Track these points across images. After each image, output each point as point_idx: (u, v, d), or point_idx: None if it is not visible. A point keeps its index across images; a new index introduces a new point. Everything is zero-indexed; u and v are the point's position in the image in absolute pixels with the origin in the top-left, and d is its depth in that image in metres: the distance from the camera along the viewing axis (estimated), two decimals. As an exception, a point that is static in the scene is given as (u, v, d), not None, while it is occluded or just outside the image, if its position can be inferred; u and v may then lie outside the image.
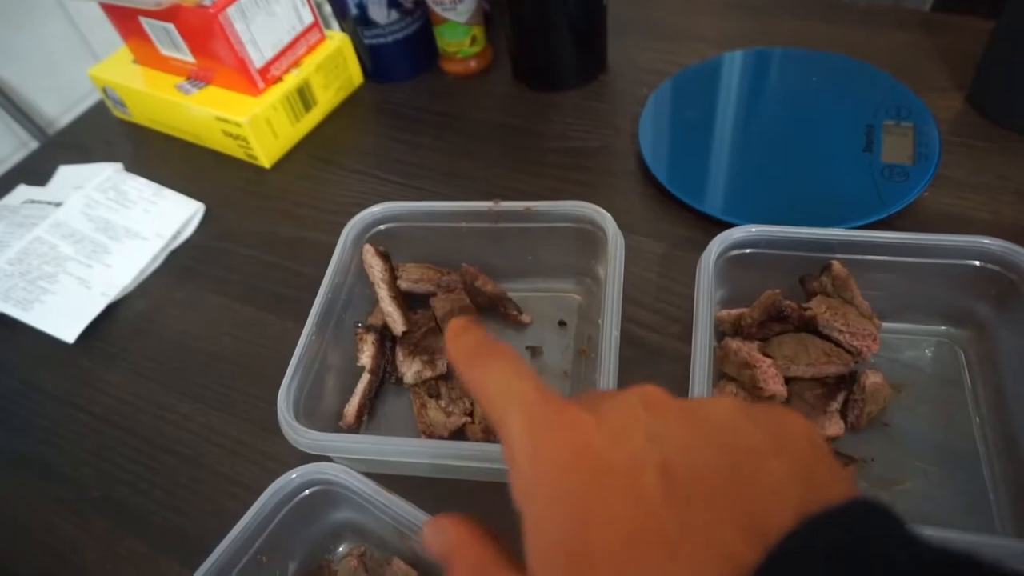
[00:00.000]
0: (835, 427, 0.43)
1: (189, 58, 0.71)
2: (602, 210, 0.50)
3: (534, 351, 0.52)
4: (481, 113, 0.74)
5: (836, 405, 0.45)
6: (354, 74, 0.78)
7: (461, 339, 0.26)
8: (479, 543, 0.24)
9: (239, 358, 0.57)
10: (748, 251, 0.48)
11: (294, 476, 0.40)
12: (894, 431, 0.45)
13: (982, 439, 0.44)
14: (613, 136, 0.69)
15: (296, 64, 0.72)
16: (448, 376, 0.51)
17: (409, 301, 0.54)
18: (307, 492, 0.41)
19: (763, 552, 0.17)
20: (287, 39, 0.70)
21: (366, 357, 0.51)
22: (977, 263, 0.46)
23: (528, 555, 0.21)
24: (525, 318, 0.53)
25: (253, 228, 0.67)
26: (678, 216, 0.60)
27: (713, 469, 0.19)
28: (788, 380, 0.46)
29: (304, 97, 0.73)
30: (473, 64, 0.77)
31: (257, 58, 0.68)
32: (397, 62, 0.78)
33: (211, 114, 0.70)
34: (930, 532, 0.34)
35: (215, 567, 0.37)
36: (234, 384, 0.55)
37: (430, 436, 0.48)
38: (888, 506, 0.18)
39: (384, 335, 0.53)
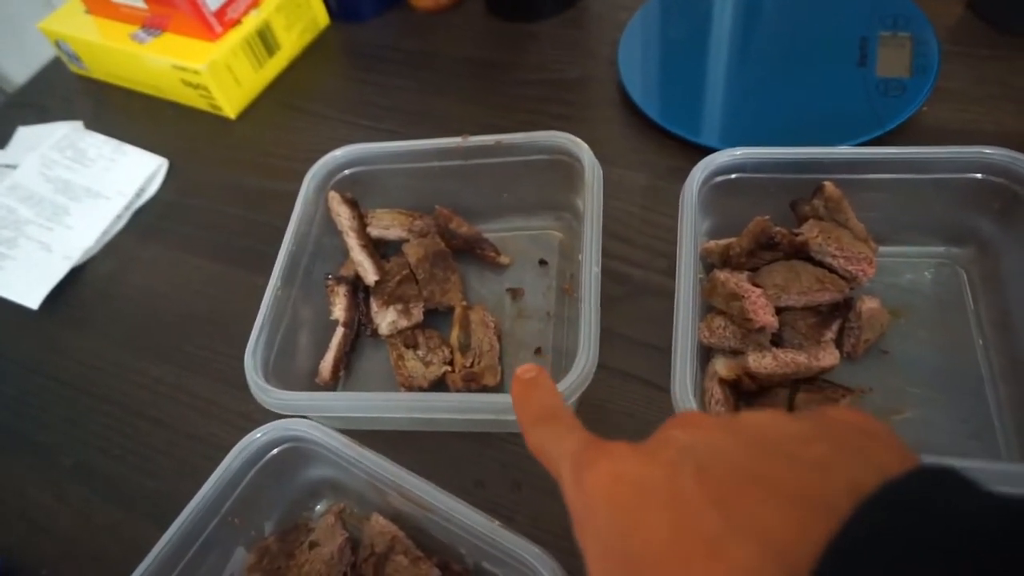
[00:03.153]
0: (830, 357, 0.40)
1: (141, 4, 0.66)
2: (577, 139, 0.47)
3: (515, 293, 0.50)
4: (453, 49, 0.70)
5: (831, 334, 0.43)
6: (318, 14, 0.74)
7: (528, 398, 0.28)
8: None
9: (210, 316, 0.55)
10: (734, 176, 0.45)
11: (259, 435, 0.38)
12: (893, 358, 0.43)
13: (986, 362, 0.42)
14: (592, 65, 0.65)
15: (255, 5, 0.68)
16: (424, 325, 0.48)
17: (381, 248, 0.52)
18: (276, 451, 0.39)
19: (816, 536, 0.16)
20: (242, -22, 0.66)
21: (338, 310, 0.49)
22: (979, 176, 0.43)
23: None
24: (504, 259, 0.51)
25: (220, 181, 0.64)
26: (662, 145, 0.56)
27: (750, 465, 0.19)
28: (780, 310, 0.43)
29: (266, 40, 0.69)
30: (443, -3, 0.73)
31: (211, 0, 0.64)
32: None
33: (168, 63, 0.66)
34: (932, 460, 0.32)
35: (182, 531, 0.36)
36: (206, 344, 0.53)
37: (410, 388, 0.46)
38: (956, 469, 0.17)
39: (356, 286, 0.50)
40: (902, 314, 0.44)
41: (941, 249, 0.46)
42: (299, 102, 0.69)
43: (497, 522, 0.34)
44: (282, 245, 0.47)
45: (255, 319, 0.44)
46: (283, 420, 0.39)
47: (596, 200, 0.44)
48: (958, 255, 0.46)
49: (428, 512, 0.37)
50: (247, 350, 0.43)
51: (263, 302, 0.45)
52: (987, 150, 0.42)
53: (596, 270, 0.41)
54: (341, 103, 0.69)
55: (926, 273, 0.46)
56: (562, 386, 0.37)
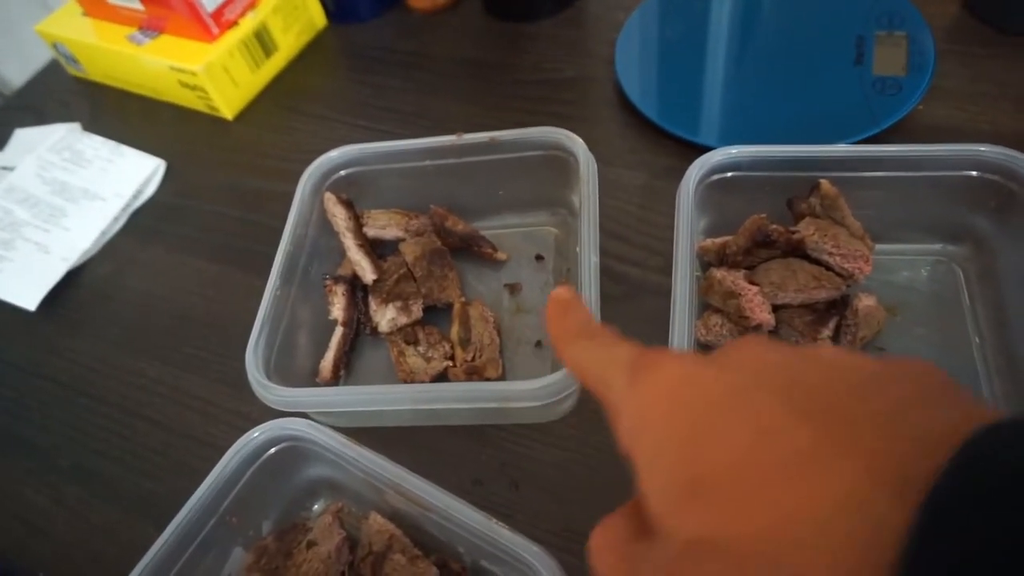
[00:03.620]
0: (826, 354, 0.40)
1: (138, 5, 0.66)
2: (571, 134, 0.47)
3: (512, 288, 0.50)
4: (451, 49, 0.70)
5: (827, 332, 0.43)
6: (315, 15, 0.74)
7: (565, 315, 0.26)
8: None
9: (208, 318, 0.55)
10: (730, 175, 0.45)
11: (256, 434, 0.38)
12: (889, 356, 0.43)
13: (982, 359, 0.42)
14: (590, 64, 0.65)
15: (252, 6, 0.68)
16: (424, 321, 0.48)
17: (378, 248, 0.52)
18: (273, 450, 0.39)
19: (923, 470, 0.15)
20: (239, -21, 0.66)
21: (337, 309, 0.49)
22: (974, 173, 0.43)
23: (646, 498, 0.19)
24: (501, 255, 0.51)
25: (218, 183, 0.64)
26: (659, 144, 0.56)
27: (831, 391, 0.18)
28: (777, 308, 0.43)
29: (263, 42, 0.69)
30: (440, -2, 0.73)
31: (208, 1, 0.64)
32: (361, 0, 0.73)
33: (165, 64, 0.66)
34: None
35: (179, 531, 0.36)
36: (204, 344, 0.53)
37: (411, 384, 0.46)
38: None
39: (354, 285, 0.50)
40: (898, 311, 0.44)
41: (937, 247, 0.46)
42: (297, 103, 0.69)
43: (495, 520, 0.34)
44: (280, 246, 0.47)
45: (253, 320, 0.44)
46: (281, 419, 0.39)
47: (592, 192, 0.44)
48: (954, 253, 0.46)
49: (426, 511, 0.37)
50: (248, 348, 0.43)
51: (263, 301, 0.45)
52: (982, 148, 0.42)
53: (595, 259, 0.42)
54: (339, 104, 0.69)
55: (922, 270, 0.46)
56: (563, 373, 0.37)
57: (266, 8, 0.68)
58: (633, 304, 0.48)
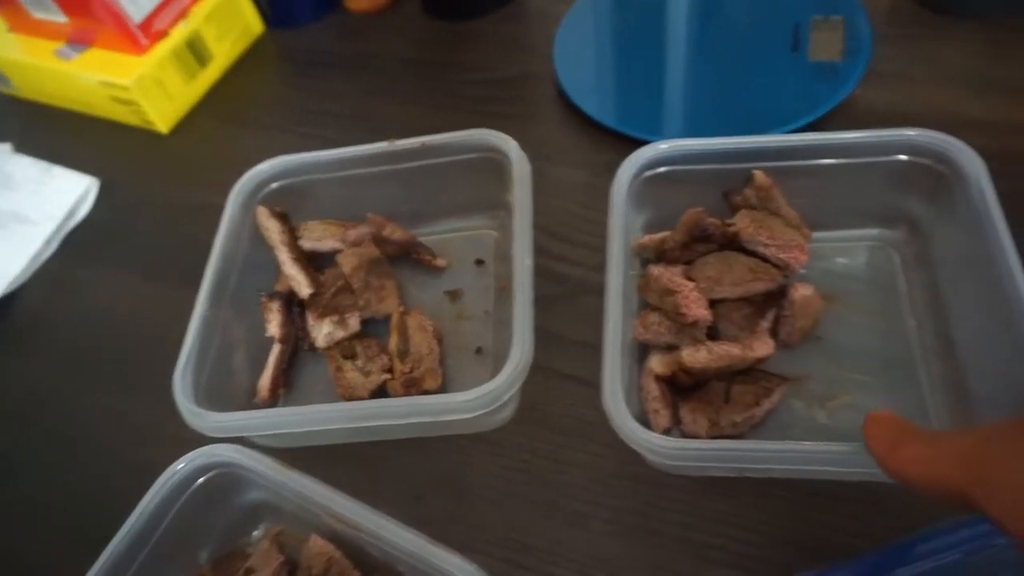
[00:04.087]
0: (764, 347, 0.40)
1: (62, 18, 0.64)
2: (503, 135, 0.46)
3: (453, 295, 0.49)
4: (392, 50, 0.69)
5: (766, 324, 0.42)
6: (251, 22, 0.72)
7: (881, 429, 0.26)
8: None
9: (149, 338, 0.53)
10: (664, 170, 0.45)
11: (180, 465, 0.37)
12: (828, 344, 0.43)
13: (918, 343, 0.42)
14: (531, 61, 0.64)
15: (183, 15, 0.66)
16: (363, 334, 0.48)
17: (316, 261, 0.51)
18: (204, 478, 0.38)
19: None
20: (167, -12, 0.64)
21: (274, 326, 0.48)
22: (906, 157, 0.43)
23: None
24: (440, 262, 0.50)
25: (155, 199, 0.63)
26: (600, 141, 0.56)
27: None
28: (715, 303, 0.43)
29: (196, 51, 0.67)
30: (379, -1, 0.72)
31: (134, 11, 0.62)
32: (298, 4, 0.72)
33: (95, 79, 0.64)
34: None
35: (105, 568, 0.34)
36: (145, 366, 0.51)
37: (350, 399, 0.45)
38: None
39: (291, 300, 0.49)
40: (837, 299, 0.44)
41: (874, 232, 0.46)
42: (235, 113, 0.68)
43: (427, 539, 0.34)
44: (208, 264, 0.46)
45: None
46: (209, 446, 0.38)
47: (525, 194, 0.43)
48: (891, 238, 0.46)
49: (360, 533, 0.36)
50: (175, 374, 0.42)
51: (190, 323, 0.44)
52: (910, 132, 0.42)
53: (528, 262, 0.41)
54: (279, 112, 0.67)
55: (860, 257, 0.46)
56: (496, 382, 0.37)
57: (198, 17, 0.66)
58: (574, 304, 0.47)
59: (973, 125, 0.48)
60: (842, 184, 0.44)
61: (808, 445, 0.33)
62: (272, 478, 0.36)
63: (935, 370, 0.40)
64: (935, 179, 0.42)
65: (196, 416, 0.40)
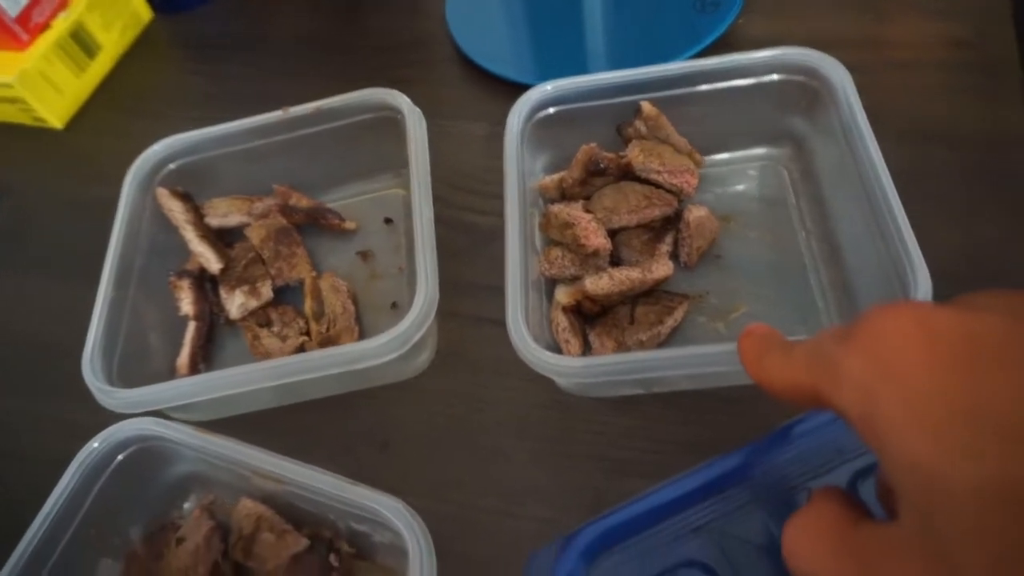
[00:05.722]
0: (663, 268, 0.42)
1: (-67, 19, 0.62)
2: (393, 91, 0.47)
3: (365, 255, 0.49)
4: (287, 28, 0.68)
5: (666, 247, 0.44)
6: (139, 9, 0.70)
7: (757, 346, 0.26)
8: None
9: (62, 339, 0.52)
10: (553, 111, 0.46)
11: (95, 444, 0.37)
12: (726, 261, 0.45)
13: (808, 252, 0.44)
14: (426, 24, 0.64)
15: (63, 6, 0.64)
16: (278, 302, 0.48)
17: (226, 238, 0.50)
18: (122, 456, 0.38)
19: None
20: (42, -21, 0.62)
21: (186, 304, 0.47)
22: (779, 76, 0.45)
23: (902, 456, 0.18)
24: (349, 225, 0.50)
25: (54, 198, 0.61)
26: (498, 93, 0.56)
27: None
28: (615, 232, 0.44)
29: (82, 42, 0.65)
30: (268, -26, 0.71)
31: (9, 5, 0.60)
32: (184, -13, 0.70)
33: (-24, 80, 0.62)
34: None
35: (30, 552, 0.34)
36: (61, 366, 0.50)
37: (269, 366, 0.45)
38: None
39: (202, 278, 0.49)
40: (732, 218, 0.46)
41: (762, 151, 0.48)
42: (132, 103, 0.66)
43: (351, 481, 0.34)
44: (108, 249, 0.45)
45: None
46: (122, 422, 0.38)
47: (421, 147, 0.44)
48: (778, 155, 0.48)
49: (287, 486, 0.36)
50: (83, 357, 0.41)
51: (95, 307, 0.43)
52: (780, 50, 0.44)
53: (428, 213, 0.42)
54: (177, 98, 0.66)
55: (751, 176, 0.48)
56: (404, 324, 0.38)
57: (79, 6, 0.64)
58: (484, 251, 0.48)
59: (845, 43, 0.51)
60: (726, 108, 0.46)
61: (697, 348, 0.35)
62: (194, 444, 0.37)
63: (824, 275, 0.43)
64: (810, 95, 0.45)
65: (107, 394, 0.39)
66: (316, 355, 0.39)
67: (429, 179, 0.43)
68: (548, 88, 0.45)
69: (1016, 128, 0.47)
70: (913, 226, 0.35)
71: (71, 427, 0.47)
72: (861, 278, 0.40)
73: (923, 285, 0.33)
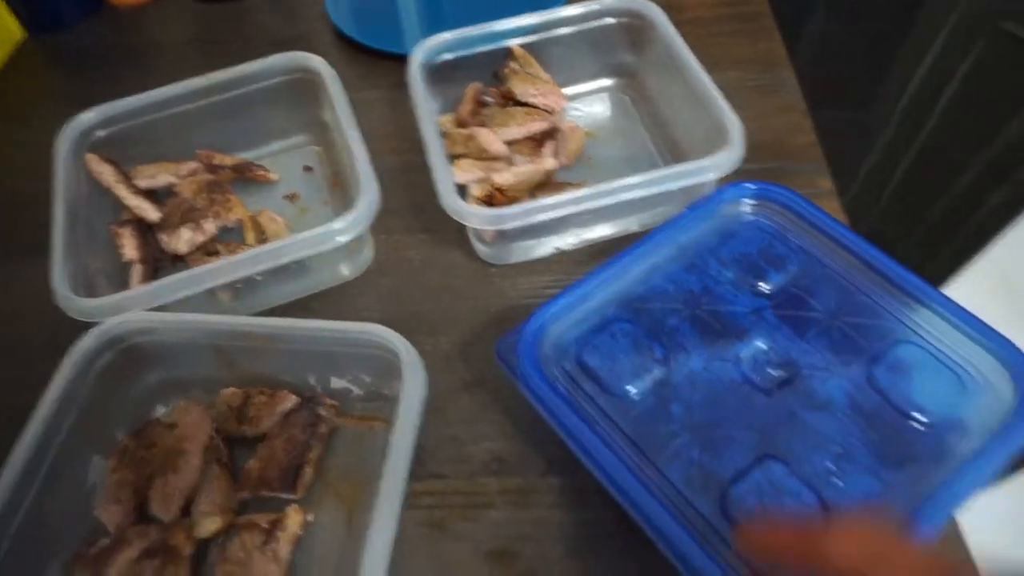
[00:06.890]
0: (550, 163, 0.53)
1: None
2: (308, 54, 0.54)
3: (291, 197, 0.56)
4: (170, 36, 0.74)
5: (548, 150, 0.55)
6: (10, 28, 0.72)
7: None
8: None
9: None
10: (439, 59, 0.56)
11: (87, 340, 0.40)
12: (595, 161, 0.57)
13: (656, 151, 0.57)
14: (308, 17, 0.72)
15: (-63, 23, 0.66)
16: (221, 235, 0.53)
17: (154, 199, 0.54)
18: (105, 359, 0.41)
19: None
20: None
21: (130, 249, 0.51)
22: (612, 20, 0.58)
23: None
24: (273, 176, 0.57)
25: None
26: (389, 70, 0.65)
27: None
28: (508, 144, 0.55)
29: (-41, 57, 0.66)
30: (143, -9, 0.76)
31: None
32: (62, 4, 0.74)
33: None
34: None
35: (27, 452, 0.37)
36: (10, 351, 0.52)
37: (222, 293, 0.49)
38: None
39: (142, 227, 0.52)
40: (594, 132, 0.58)
41: (610, 82, 0.62)
42: (11, 128, 0.67)
43: (329, 320, 0.40)
44: (54, 205, 0.48)
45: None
46: (112, 318, 0.41)
47: (339, 89, 0.52)
48: (622, 84, 0.61)
49: (270, 344, 0.41)
50: (53, 272, 0.44)
51: (53, 241, 0.46)
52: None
53: (356, 135, 0.49)
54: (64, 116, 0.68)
55: (603, 102, 0.61)
56: (350, 217, 0.44)
57: (-47, 23, 0.66)
58: (411, 189, 0.55)
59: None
60: (580, 49, 0.59)
61: (603, 184, 0.45)
62: (176, 324, 0.41)
63: (667, 162, 0.56)
64: (636, 32, 0.58)
65: (80, 303, 0.42)
66: (275, 245, 0.44)
67: (351, 112, 0.51)
68: (448, 36, 0.55)
69: (776, 54, 0.64)
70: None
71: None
72: (692, 150, 0.53)
73: (735, 129, 0.46)
